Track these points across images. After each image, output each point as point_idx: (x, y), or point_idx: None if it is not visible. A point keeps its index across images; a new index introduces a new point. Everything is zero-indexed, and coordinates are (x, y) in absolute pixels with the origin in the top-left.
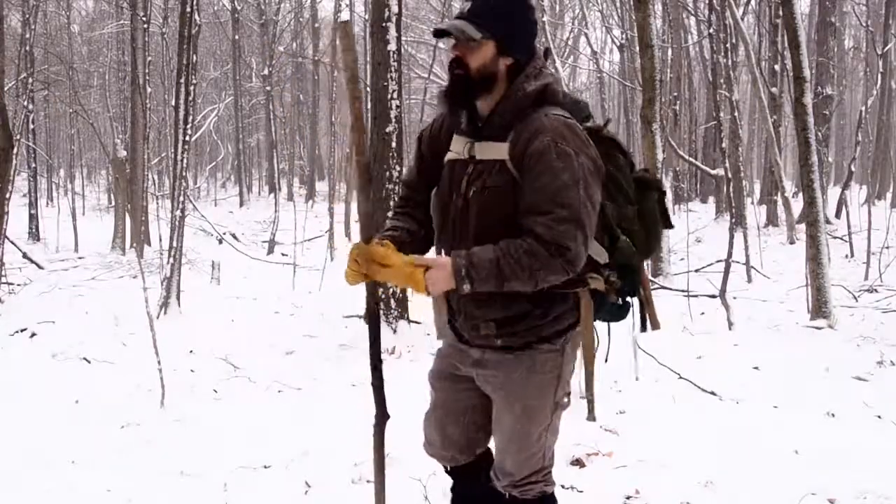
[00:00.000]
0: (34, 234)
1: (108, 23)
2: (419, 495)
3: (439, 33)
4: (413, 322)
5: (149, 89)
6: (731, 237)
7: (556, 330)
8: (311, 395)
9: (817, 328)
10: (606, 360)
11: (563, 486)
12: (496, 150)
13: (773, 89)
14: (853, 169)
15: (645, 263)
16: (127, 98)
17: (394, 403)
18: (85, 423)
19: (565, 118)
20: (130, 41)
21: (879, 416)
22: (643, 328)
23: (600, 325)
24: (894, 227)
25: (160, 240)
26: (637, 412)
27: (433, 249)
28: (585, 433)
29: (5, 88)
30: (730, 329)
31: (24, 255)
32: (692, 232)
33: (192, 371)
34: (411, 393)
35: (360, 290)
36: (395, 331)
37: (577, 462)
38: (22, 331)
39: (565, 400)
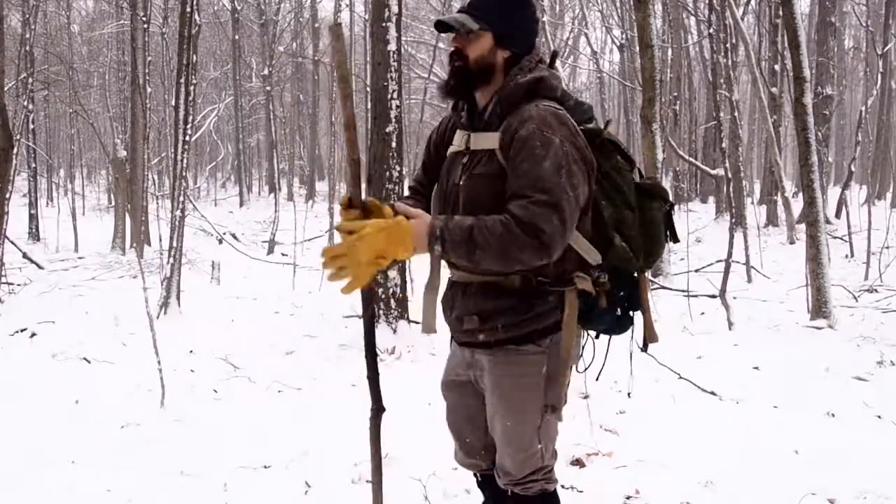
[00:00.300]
0: (34, 234)
1: (108, 23)
2: (419, 495)
3: (439, 25)
4: (413, 322)
5: (149, 89)
6: (731, 237)
7: (538, 329)
8: (310, 395)
9: (817, 328)
10: (598, 379)
11: (563, 486)
12: (489, 140)
13: (773, 89)
14: (853, 169)
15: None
16: (127, 98)
17: (394, 403)
18: (85, 423)
19: (555, 108)
20: (130, 41)
21: (879, 416)
22: (644, 348)
23: (597, 339)
24: (894, 227)
25: (160, 240)
26: (637, 412)
27: None
28: (585, 433)
29: (5, 88)
30: (730, 329)
31: (24, 255)
32: (692, 232)
33: (192, 371)
34: (411, 393)
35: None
36: (394, 331)
37: (577, 462)
38: (22, 331)
39: (559, 401)
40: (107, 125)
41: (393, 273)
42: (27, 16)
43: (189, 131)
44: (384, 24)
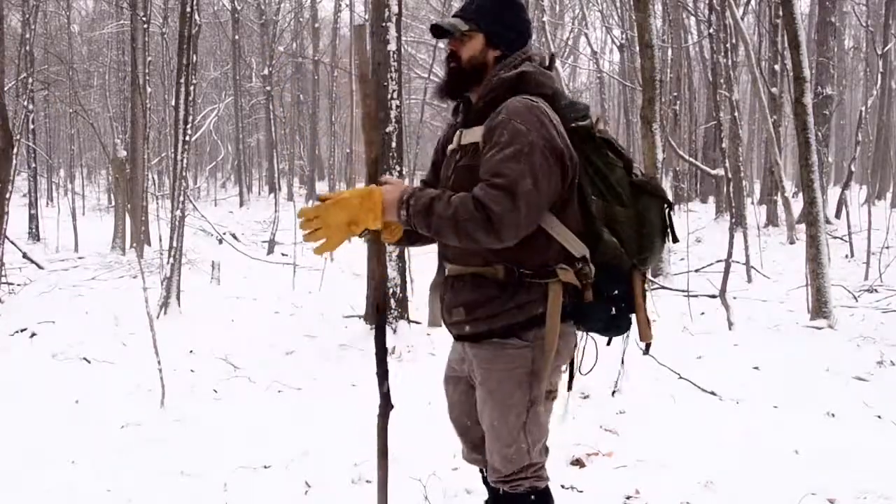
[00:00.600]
0: (34, 234)
1: (108, 23)
2: (419, 495)
3: (433, 29)
4: (413, 322)
5: (149, 89)
6: (731, 237)
7: (521, 321)
8: (311, 395)
9: (817, 328)
10: (583, 373)
11: (562, 486)
12: (475, 134)
13: (773, 89)
14: (853, 169)
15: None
16: (127, 98)
17: (394, 403)
18: (85, 423)
19: (531, 101)
20: (130, 41)
21: (879, 416)
22: (645, 351)
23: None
24: (894, 227)
25: (160, 240)
26: (637, 412)
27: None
28: (585, 433)
29: (5, 88)
30: (730, 329)
31: (24, 255)
32: (692, 232)
33: (192, 371)
34: (411, 393)
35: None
36: (394, 331)
37: (577, 462)
38: (22, 331)
39: (545, 397)
40: (107, 125)
41: (393, 273)
42: (27, 16)
43: (189, 131)
44: (384, 24)
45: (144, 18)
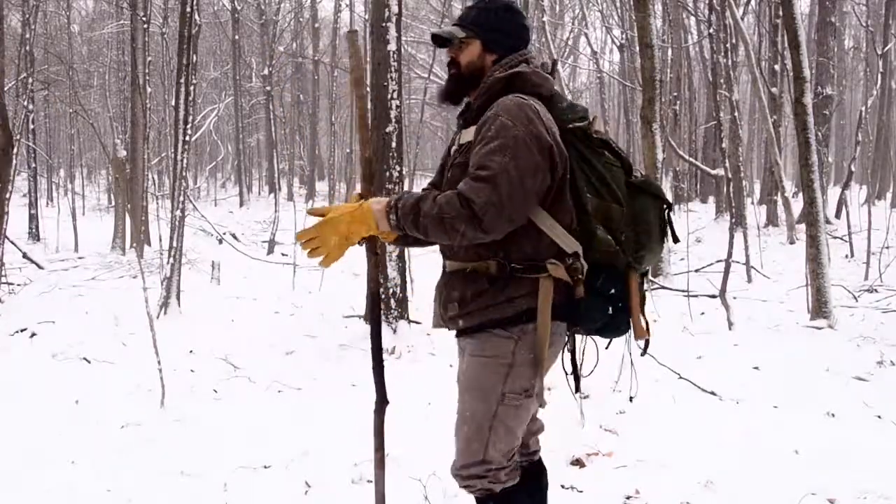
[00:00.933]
0: (34, 234)
1: (108, 23)
2: (419, 495)
3: (434, 39)
4: (413, 322)
5: (149, 89)
6: (731, 237)
7: (510, 315)
8: (310, 395)
9: (817, 328)
10: (584, 374)
11: (562, 486)
12: (471, 134)
13: (773, 89)
14: (853, 169)
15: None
16: (127, 98)
17: (394, 403)
18: (85, 423)
19: (521, 99)
20: (130, 41)
21: (879, 416)
22: (643, 351)
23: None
24: (894, 227)
25: (160, 240)
26: (637, 412)
27: None
28: (585, 433)
29: (5, 88)
30: (730, 329)
31: (24, 255)
32: (692, 232)
33: (192, 371)
34: (411, 392)
35: (360, 290)
36: (395, 331)
37: (577, 462)
38: (22, 331)
39: (520, 396)
40: (107, 125)
41: (393, 273)
42: (27, 16)
43: (189, 131)
44: (384, 24)
45: (144, 18)
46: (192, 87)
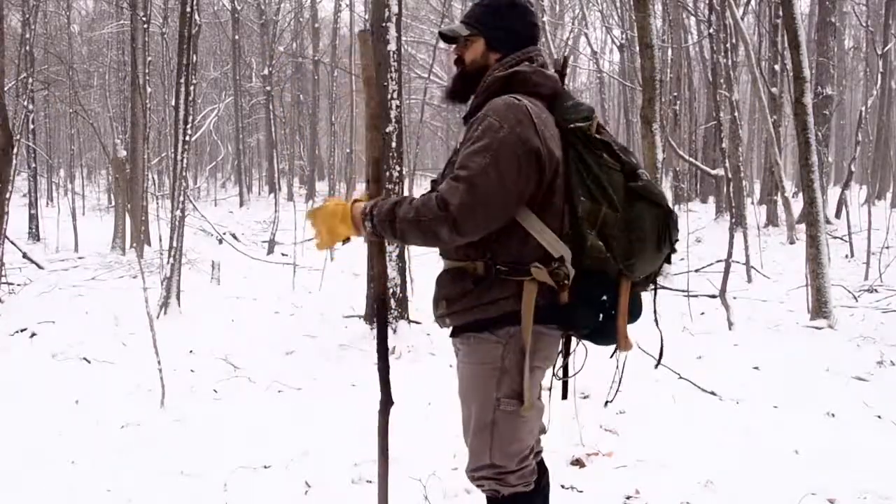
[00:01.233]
0: (34, 234)
1: (108, 23)
2: (419, 495)
3: (441, 36)
4: (413, 322)
5: (149, 89)
6: (731, 237)
7: (494, 316)
8: (311, 395)
9: (817, 328)
10: (571, 376)
11: (562, 486)
12: None
13: (773, 89)
14: (853, 169)
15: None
16: (127, 98)
17: (394, 400)
18: (85, 423)
19: (514, 99)
20: (130, 41)
21: (879, 416)
22: (657, 363)
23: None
24: (894, 227)
25: (160, 240)
26: (637, 412)
27: None
28: (585, 433)
29: (5, 88)
30: (730, 329)
31: (24, 255)
32: (692, 232)
33: (192, 371)
34: (411, 393)
35: (360, 290)
36: (395, 331)
37: (577, 462)
38: (22, 331)
39: (514, 400)
40: (107, 125)
41: (393, 273)
42: (27, 16)
43: (189, 131)
44: (384, 25)
45: (144, 18)
46: (192, 87)
